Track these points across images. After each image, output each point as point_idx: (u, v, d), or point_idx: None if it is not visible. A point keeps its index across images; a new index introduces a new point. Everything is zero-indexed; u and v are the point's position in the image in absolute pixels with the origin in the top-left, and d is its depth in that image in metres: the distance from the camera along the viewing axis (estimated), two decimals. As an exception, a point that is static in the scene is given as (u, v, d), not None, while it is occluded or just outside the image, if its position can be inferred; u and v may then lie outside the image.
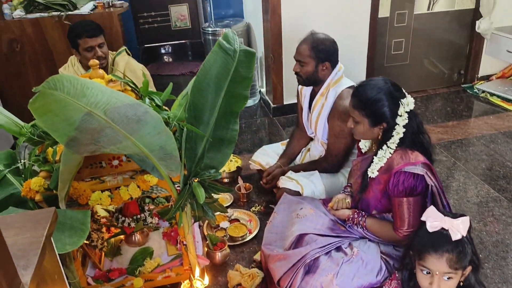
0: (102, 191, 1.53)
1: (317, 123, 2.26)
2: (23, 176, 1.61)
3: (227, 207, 2.43)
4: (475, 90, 3.80)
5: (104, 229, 1.98)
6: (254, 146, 3.09)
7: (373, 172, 1.68)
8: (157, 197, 2.26)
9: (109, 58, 2.57)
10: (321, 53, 2.13)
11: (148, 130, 1.36)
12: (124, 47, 2.65)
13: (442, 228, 1.32)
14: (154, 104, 1.64)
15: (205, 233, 2.18)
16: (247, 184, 2.51)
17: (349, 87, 2.13)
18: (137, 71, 2.54)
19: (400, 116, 1.62)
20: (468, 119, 3.35)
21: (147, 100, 1.64)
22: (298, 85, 2.36)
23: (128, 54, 2.64)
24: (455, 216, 1.35)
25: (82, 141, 1.30)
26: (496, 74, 3.92)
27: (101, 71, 1.61)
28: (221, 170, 2.46)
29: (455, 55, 3.87)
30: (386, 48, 3.69)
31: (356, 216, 1.77)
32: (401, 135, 1.63)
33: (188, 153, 1.60)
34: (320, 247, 1.71)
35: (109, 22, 3.16)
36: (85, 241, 1.84)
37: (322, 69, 2.15)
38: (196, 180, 1.58)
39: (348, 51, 3.33)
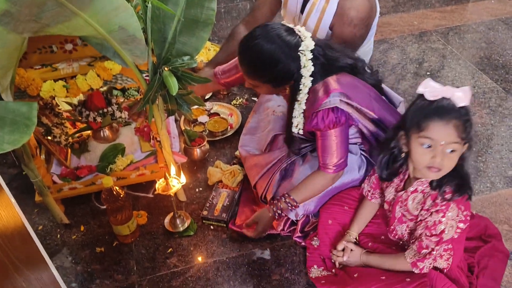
0: (55, 81, 1.30)
1: (316, 30, 1.93)
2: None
3: (206, 100, 2.24)
4: (477, -28, 3.45)
5: (68, 124, 1.79)
6: (234, 33, 2.79)
7: (299, 130, 1.46)
8: (128, 89, 2.04)
9: None
10: None
11: (101, 5, 1.10)
12: None
13: (443, 98, 1.15)
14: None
15: (182, 128, 2.01)
16: (227, 74, 2.29)
17: None
18: None
19: (304, 67, 1.35)
20: (467, 4, 3.06)
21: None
22: None
23: None
24: None
25: (19, 17, 1.04)
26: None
27: None
28: (198, 59, 2.22)
29: None
30: None
31: (280, 202, 1.49)
32: (310, 84, 1.37)
33: (156, 36, 1.34)
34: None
35: None
36: (47, 137, 1.66)
37: None
38: (167, 69, 1.35)
39: None
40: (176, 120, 2.05)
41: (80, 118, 1.71)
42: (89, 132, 1.81)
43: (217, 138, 2.02)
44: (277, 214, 1.50)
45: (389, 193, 1.36)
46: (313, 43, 1.35)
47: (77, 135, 1.80)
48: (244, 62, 1.39)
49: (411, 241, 1.30)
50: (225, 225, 1.64)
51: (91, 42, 1.29)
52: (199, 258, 1.55)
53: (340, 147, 1.40)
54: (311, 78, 1.37)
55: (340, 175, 1.47)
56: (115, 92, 1.96)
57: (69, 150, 1.77)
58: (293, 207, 1.49)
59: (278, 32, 1.33)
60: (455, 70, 2.39)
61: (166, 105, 1.44)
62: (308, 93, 1.41)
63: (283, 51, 1.32)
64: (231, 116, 2.14)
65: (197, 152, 1.88)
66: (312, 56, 1.35)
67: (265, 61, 1.34)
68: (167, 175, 1.51)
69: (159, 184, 1.52)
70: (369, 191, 1.44)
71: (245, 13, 3.08)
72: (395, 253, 1.36)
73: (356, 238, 1.44)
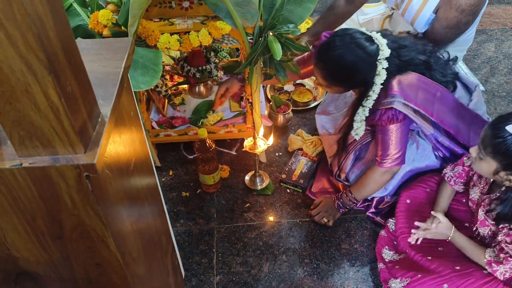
0: (171, 34, 1.42)
1: (419, 13, 1.87)
2: (89, 8, 1.51)
3: (293, 70, 2.29)
4: None
5: (167, 77, 1.93)
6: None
7: (358, 135, 1.48)
8: (220, 51, 2.14)
9: None
10: None
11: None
12: None
13: None
14: None
15: (268, 95, 2.09)
16: (317, 48, 2.32)
17: None
18: None
19: (378, 75, 1.35)
20: None
21: None
22: None
23: None
24: None
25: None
26: None
27: None
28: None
29: None
30: None
31: (342, 198, 1.57)
32: (379, 91, 1.37)
33: (266, 2, 1.41)
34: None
35: None
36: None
37: None
38: (272, 34, 1.42)
39: None
40: (262, 86, 2.13)
41: (180, 72, 1.84)
42: (185, 86, 1.94)
43: (299, 108, 2.08)
44: (341, 209, 1.58)
45: (474, 193, 1.36)
46: (389, 51, 1.36)
47: (174, 88, 1.94)
48: (322, 69, 1.41)
49: (493, 244, 1.29)
50: (301, 190, 1.72)
51: (207, 2, 1.38)
52: (274, 217, 1.64)
53: (398, 142, 1.42)
54: (381, 86, 1.39)
55: (395, 171, 1.48)
56: (212, 53, 2.07)
57: (166, 101, 1.92)
58: (354, 204, 1.56)
59: (359, 42, 1.35)
60: (556, 71, 2.26)
61: (265, 69, 1.52)
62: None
63: (363, 61, 1.35)
64: (315, 89, 2.18)
65: (281, 118, 1.96)
66: (387, 65, 1.36)
67: (345, 70, 1.38)
68: (256, 135, 1.61)
69: (247, 142, 1.62)
70: (451, 177, 1.44)
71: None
72: (478, 244, 1.34)
73: None
